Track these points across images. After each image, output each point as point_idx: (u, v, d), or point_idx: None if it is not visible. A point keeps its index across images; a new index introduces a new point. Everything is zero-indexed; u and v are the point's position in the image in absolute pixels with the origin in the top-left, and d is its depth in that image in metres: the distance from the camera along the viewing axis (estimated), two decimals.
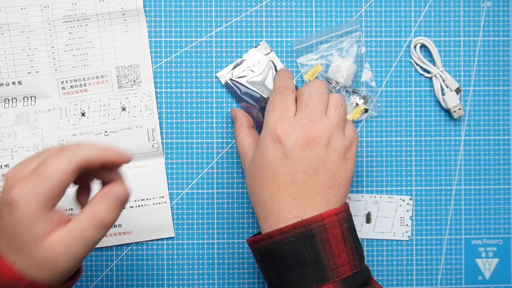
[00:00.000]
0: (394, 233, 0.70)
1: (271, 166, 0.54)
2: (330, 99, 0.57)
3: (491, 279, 0.72)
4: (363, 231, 0.70)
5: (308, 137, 0.54)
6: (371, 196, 0.70)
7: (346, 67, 0.69)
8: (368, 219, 0.70)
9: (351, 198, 0.70)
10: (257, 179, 0.55)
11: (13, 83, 0.69)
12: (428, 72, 0.71)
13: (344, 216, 0.54)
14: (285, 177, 0.53)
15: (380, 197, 0.70)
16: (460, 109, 0.70)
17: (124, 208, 0.49)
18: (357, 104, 0.70)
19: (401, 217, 0.70)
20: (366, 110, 0.70)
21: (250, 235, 0.68)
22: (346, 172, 0.55)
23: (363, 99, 0.70)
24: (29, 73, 0.69)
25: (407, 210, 0.70)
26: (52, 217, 0.44)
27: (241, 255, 0.70)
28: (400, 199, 0.70)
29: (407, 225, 0.70)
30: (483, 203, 0.72)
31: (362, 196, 0.70)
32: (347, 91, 0.70)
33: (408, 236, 0.70)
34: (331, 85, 0.69)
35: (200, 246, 0.70)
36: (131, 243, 0.69)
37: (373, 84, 0.71)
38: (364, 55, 0.70)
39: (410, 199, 0.70)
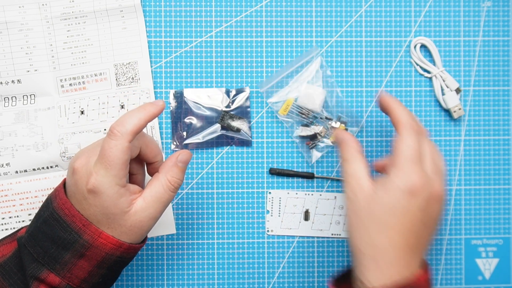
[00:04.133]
0: None
1: (400, 214, 0.53)
2: (433, 151, 0.58)
3: (491, 279, 0.72)
4: None
5: (436, 193, 0.54)
6: None
7: (316, 94, 0.69)
8: None
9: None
10: (376, 220, 0.54)
11: (13, 81, 0.68)
12: (428, 72, 0.71)
13: (431, 277, 0.57)
14: (410, 227, 0.53)
15: None
16: (460, 109, 0.70)
17: None
18: (333, 127, 0.70)
19: None
20: (345, 129, 0.70)
21: (332, 275, 0.63)
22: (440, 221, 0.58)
23: (339, 121, 0.70)
24: (28, 71, 0.68)
25: None
26: (129, 190, 0.53)
27: (241, 255, 0.70)
28: None
29: None
30: (483, 203, 0.72)
31: None
32: (321, 118, 0.70)
33: None
34: (303, 116, 0.69)
35: (200, 246, 0.70)
36: None
37: (345, 102, 0.71)
38: (332, 76, 0.70)
39: None
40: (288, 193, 0.70)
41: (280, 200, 0.70)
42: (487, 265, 0.72)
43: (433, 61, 0.71)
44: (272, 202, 0.70)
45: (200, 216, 0.70)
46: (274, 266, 0.70)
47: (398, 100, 0.59)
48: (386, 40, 0.72)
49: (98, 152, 0.53)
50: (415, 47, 0.71)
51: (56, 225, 0.53)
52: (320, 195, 0.70)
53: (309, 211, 0.70)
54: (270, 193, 0.70)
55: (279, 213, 0.70)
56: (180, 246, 0.70)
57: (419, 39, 0.71)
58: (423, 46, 0.72)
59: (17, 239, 0.56)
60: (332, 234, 0.70)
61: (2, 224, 0.68)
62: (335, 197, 0.70)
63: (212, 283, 0.70)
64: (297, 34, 0.71)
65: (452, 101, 0.70)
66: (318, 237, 0.71)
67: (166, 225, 0.69)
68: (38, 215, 0.56)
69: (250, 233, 0.70)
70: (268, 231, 0.70)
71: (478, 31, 0.72)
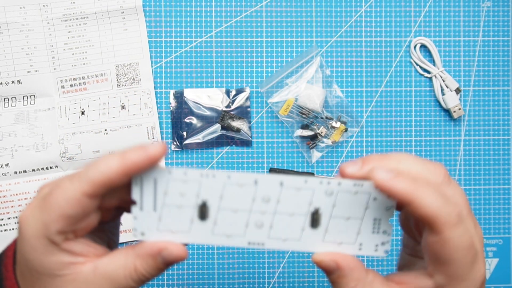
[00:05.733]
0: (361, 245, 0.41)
1: None
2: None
3: (491, 279, 0.72)
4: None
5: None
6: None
7: (317, 94, 0.69)
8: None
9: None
10: None
11: (13, 82, 0.68)
12: (428, 72, 0.71)
13: None
14: None
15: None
16: (460, 109, 0.70)
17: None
18: (333, 127, 0.70)
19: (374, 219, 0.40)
20: (345, 129, 0.70)
21: None
22: None
23: (339, 121, 0.70)
24: (29, 72, 0.68)
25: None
26: (69, 250, 0.37)
27: (241, 255, 0.70)
28: None
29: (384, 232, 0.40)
30: (483, 203, 0.72)
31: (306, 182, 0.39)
32: (321, 118, 0.70)
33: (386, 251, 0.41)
34: (303, 116, 0.69)
35: (200, 246, 0.70)
36: (132, 241, 0.69)
37: (345, 102, 0.71)
38: (331, 76, 0.70)
39: None
40: (170, 172, 0.38)
41: (156, 184, 0.38)
42: (487, 265, 0.72)
43: (433, 61, 0.71)
44: (140, 188, 0.38)
45: None
46: (274, 266, 0.70)
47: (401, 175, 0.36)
48: (386, 40, 0.72)
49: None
50: (415, 47, 0.71)
51: None
52: (229, 177, 0.38)
53: (207, 204, 0.39)
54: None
55: (155, 206, 0.39)
56: None
57: (419, 39, 0.71)
58: (423, 46, 0.72)
59: None
60: (248, 243, 0.39)
61: (0, 225, 0.68)
62: (256, 181, 0.38)
63: (212, 283, 0.70)
64: (297, 34, 0.71)
65: (452, 101, 0.70)
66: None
67: None
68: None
69: None
70: (136, 234, 0.38)
71: (478, 31, 0.72)
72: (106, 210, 0.40)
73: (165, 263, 0.37)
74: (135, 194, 0.38)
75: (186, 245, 0.39)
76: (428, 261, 0.38)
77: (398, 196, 0.35)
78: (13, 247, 0.40)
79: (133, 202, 0.38)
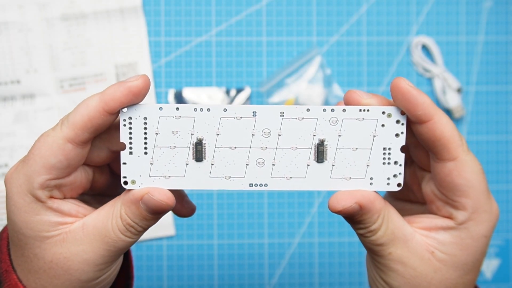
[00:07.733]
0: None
1: (482, 262, 0.39)
2: None
3: (492, 279, 0.72)
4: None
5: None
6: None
7: (317, 94, 0.69)
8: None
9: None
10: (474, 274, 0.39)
11: (12, 82, 0.68)
12: (429, 71, 0.71)
13: None
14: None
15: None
16: (461, 109, 0.70)
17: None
18: None
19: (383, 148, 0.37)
20: None
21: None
22: None
23: None
24: (28, 72, 0.68)
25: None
26: (56, 209, 0.35)
27: (241, 256, 0.70)
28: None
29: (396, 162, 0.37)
30: None
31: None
32: None
33: (399, 185, 0.38)
34: None
35: (200, 247, 0.70)
36: None
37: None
38: (331, 76, 0.70)
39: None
40: (161, 108, 0.36)
41: (146, 123, 0.36)
42: (489, 266, 0.72)
43: (434, 61, 0.71)
44: (129, 128, 0.36)
45: (199, 216, 0.70)
46: (274, 267, 0.70)
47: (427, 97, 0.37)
48: (387, 39, 0.71)
49: None
50: (416, 46, 0.71)
51: None
52: (225, 110, 0.37)
53: (203, 141, 0.37)
54: (124, 111, 0.36)
55: (146, 148, 0.37)
56: (179, 247, 0.70)
57: (420, 38, 0.71)
58: (424, 46, 0.72)
59: None
60: (250, 185, 0.38)
61: (0, 226, 0.68)
62: (255, 112, 0.37)
63: (212, 284, 0.70)
64: (298, 33, 0.71)
65: (453, 100, 0.70)
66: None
67: (165, 227, 0.69)
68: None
69: (251, 234, 0.70)
70: (126, 182, 0.36)
71: (479, 30, 0.72)
72: (101, 172, 0.39)
73: (149, 211, 0.35)
74: (124, 136, 0.36)
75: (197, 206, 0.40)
76: (444, 202, 0.37)
77: (420, 108, 0.35)
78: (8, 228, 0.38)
79: (123, 148, 0.36)
